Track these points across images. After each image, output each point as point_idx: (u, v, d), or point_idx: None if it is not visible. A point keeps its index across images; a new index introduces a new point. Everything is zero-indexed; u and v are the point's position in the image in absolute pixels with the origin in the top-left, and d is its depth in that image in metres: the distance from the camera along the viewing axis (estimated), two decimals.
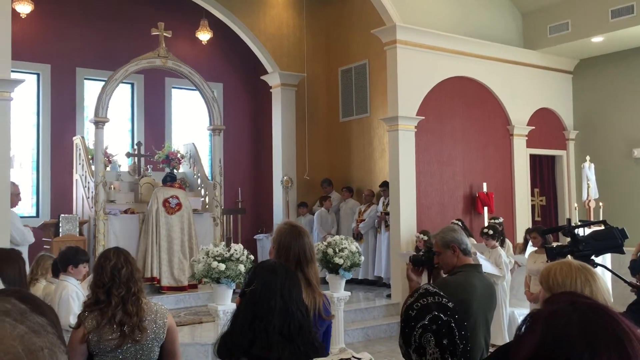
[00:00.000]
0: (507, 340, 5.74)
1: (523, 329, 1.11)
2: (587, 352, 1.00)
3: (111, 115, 9.15)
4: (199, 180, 10.40)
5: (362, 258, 6.82)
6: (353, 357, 1.91)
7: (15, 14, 9.90)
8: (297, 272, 2.80)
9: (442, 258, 3.36)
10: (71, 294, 4.41)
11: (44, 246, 8.61)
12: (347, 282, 6.87)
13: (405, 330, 1.85)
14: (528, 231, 8.01)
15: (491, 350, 7.08)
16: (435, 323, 1.81)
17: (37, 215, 10.74)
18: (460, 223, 8.46)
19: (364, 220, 10.41)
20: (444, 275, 3.42)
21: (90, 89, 11.36)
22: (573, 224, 4.28)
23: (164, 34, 9.48)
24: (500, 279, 7.21)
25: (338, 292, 6.57)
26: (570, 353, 1.01)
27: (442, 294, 1.90)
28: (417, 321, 1.83)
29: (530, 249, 7.43)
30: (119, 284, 2.91)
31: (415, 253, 3.57)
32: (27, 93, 10.79)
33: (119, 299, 2.89)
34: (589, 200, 9.62)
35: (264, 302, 2.07)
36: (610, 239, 3.37)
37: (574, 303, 1.09)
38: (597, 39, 9.96)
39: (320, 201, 11.20)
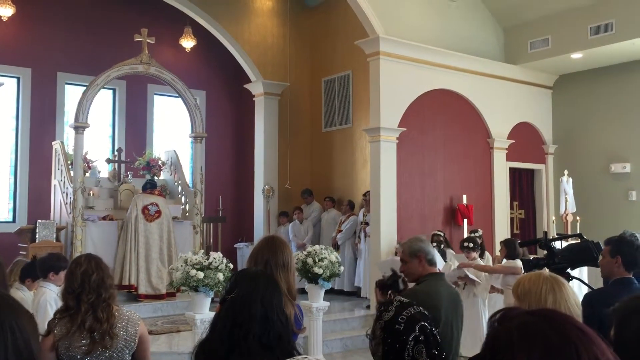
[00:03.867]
0: None
1: (496, 351, 1.09)
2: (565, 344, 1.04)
3: (92, 121, 9.08)
4: (179, 188, 10.34)
5: (342, 268, 6.81)
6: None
7: None
8: None
9: (408, 267, 3.41)
10: (49, 301, 4.35)
11: (20, 252, 8.48)
12: (327, 292, 6.86)
13: (396, 346, 1.81)
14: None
15: None
16: (423, 333, 1.80)
17: (14, 221, 10.59)
18: (442, 234, 8.50)
19: (342, 231, 10.41)
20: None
21: (71, 94, 11.27)
22: (550, 237, 4.33)
23: (147, 40, 9.45)
24: (481, 291, 7.25)
25: (317, 302, 6.55)
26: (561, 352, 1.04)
27: (414, 302, 1.90)
28: (407, 334, 1.79)
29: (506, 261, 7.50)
30: (89, 290, 2.87)
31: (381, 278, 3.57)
32: (7, 97, 10.67)
33: (88, 305, 2.85)
34: (567, 214, 9.74)
35: (244, 310, 2.04)
36: (585, 253, 3.41)
37: (532, 313, 1.11)
38: (577, 56, 10.13)
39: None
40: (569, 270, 3.34)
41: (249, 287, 2.11)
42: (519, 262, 6.69)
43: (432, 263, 3.42)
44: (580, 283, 4.26)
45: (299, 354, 2.13)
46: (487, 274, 7.35)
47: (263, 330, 2.03)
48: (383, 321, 1.89)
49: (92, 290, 2.88)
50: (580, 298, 2.80)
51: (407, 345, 1.79)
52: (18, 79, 10.92)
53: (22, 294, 4.66)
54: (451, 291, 3.45)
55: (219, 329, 2.06)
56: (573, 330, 1.07)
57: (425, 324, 1.82)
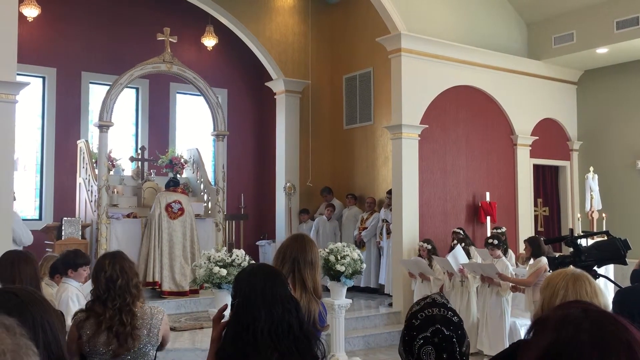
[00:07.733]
0: None
1: (532, 333, 1.10)
2: (597, 357, 1.00)
3: (115, 120, 9.17)
4: (201, 186, 10.41)
5: (364, 266, 6.80)
6: None
7: (22, 17, 9.97)
8: (292, 273, 2.87)
9: None
10: (71, 297, 4.42)
11: (46, 249, 8.61)
12: (350, 289, 6.86)
13: (406, 339, 1.84)
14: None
15: None
16: (437, 336, 1.79)
17: (40, 218, 10.76)
18: (462, 232, 8.45)
19: (367, 228, 10.40)
20: None
21: (95, 93, 11.41)
22: (575, 235, 4.27)
23: (170, 39, 9.52)
24: (505, 290, 7.17)
25: (339, 300, 6.55)
26: (579, 358, 1.00)
27: (449, 306, 1.88)
28: (419, 331, 1.81)
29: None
30: (114, 296, 2.95)
31: None
32: (33, 96, 10.84)
33: (113, 311, 2.93)
34: (592, 211, 9.59)
35: (247, 313, 2.10)
36: (612, 250, 3.36)
37: (585, 310, 1.09)
38: (602, 50, 9.96)
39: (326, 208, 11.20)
40: (595, 268, 3.29)
41: (247, 288, 2.15)
42: (543, 259, 6.62)
43: None
44: (606, 281, 4.20)
45: (317, 339, 2.17)
46: (512, 269, 7.29)
47: (270, 325, 2.07)
48: (409, 312, 1.90)
49: (117, 295, 2.96)
50: (607, 296, 2.75)
51: (414, 341, 1.80)
52: (43, 78, 11.09)
53: (51, 290, 4.74)
54: None
55: (231, 334, 2.13)
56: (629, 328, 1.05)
57: (442, 328, 1.80)
